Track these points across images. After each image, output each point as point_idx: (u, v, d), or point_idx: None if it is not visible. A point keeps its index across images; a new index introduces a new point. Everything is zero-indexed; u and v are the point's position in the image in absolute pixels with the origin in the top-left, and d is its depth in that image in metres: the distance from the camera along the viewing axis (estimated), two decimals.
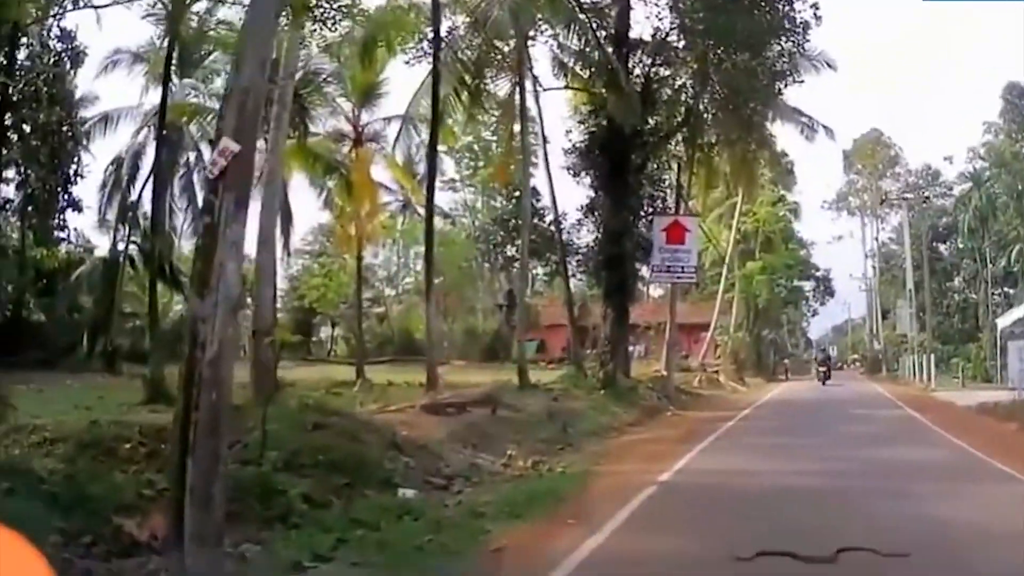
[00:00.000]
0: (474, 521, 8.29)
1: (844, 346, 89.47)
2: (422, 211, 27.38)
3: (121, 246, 30.42)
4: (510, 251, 47.01)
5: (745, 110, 26.79)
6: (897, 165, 71.40)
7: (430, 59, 22.02)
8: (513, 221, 43.76)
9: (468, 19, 24.39)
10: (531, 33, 24.99)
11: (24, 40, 27.65)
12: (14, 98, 27.50)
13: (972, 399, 25.85)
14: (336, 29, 18.85)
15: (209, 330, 5.87)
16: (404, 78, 37.35)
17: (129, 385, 18.36)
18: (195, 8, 23.01)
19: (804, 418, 23.35)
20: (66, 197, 30.62)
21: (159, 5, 21.02)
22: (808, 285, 62.62)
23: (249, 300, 19.47)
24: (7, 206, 30.14)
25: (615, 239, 24.82)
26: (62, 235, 31.89)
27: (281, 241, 28.28)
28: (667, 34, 25.60)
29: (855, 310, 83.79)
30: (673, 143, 28.94)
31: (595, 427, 17.59)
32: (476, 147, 49.62)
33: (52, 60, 28.92)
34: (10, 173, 29.37)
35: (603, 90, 24.63)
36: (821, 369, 46.28)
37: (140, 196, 29.72)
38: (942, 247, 62.65)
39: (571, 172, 26.53)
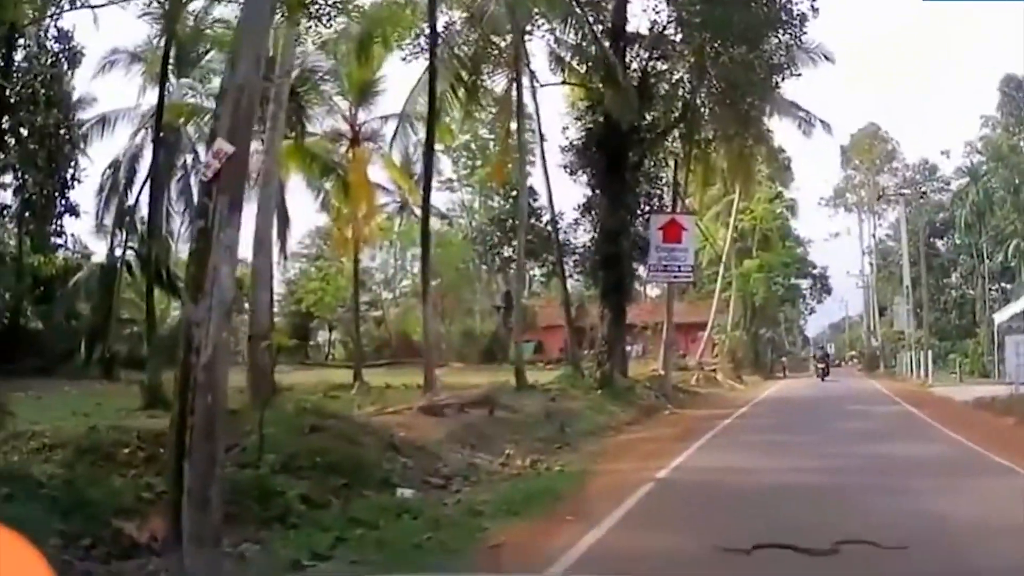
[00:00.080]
0: (472, 519, 8.32)
1: (842, 343, 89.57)
2: (419, 212, 27.39)
3: (118, 252, 30.44)
4: (507, 252, 47.02)
5: (742, 104, 26.73)
6: (894, 160, 71.27)
7: (427, 55, 21.95)
8: (510, 221, 43.71)
9: (464, 14, 24.38)
10: (528, 28, 24.98)
11: (21, 41, 27.62)
12: (11, 100, 27.47)
13: (969, 394, 25.87)
14: (331, 25, 18.82)
15: (203, 334, 5.91)
16: (401, 75, 37.07)
17: (127, 391, 18.37)
18: (192, 7, 23.00)
19: (801, 415, 23.36)
20: (63, 202, 30.63)
21: (155, 4, 21.00)
22: (805, 283, 62.58)
23: (246, 305, 19.60)
24: (4, 212, 30.15)
25: (612, 238, 24.80)
26: (59, 241, 31.92)
27: (278, 245, 28.34)
28: (664, 27, 25.60)
29: (852, 307, 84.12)
30: (670, 139, 28.84)
31: (593, 426, 17.60)
32: (473, 146, 49.55)
33: (49, 61, 28.87)
34: (7, 178, 29.38)
35: (600, 85, 24.61)
36: (820, 366, 48.68)
37: (137, 200, 29.81)
38: (939, 243, 62.65)
39: (568, 170, 26.54)
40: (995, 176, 53.35)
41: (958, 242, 59.50)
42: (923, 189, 60.31)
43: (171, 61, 23.50)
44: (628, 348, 30.49)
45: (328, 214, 33.92)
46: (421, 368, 20.20)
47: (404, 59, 24.28)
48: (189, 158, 30.94)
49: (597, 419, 18.64)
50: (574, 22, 24.37)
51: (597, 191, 25.78)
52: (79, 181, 30.46)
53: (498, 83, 26.81)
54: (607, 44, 24.31)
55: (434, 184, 27.16)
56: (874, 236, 74.19)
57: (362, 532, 7.45)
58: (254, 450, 8.91)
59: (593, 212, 26.32)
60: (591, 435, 16.52)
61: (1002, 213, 52.55)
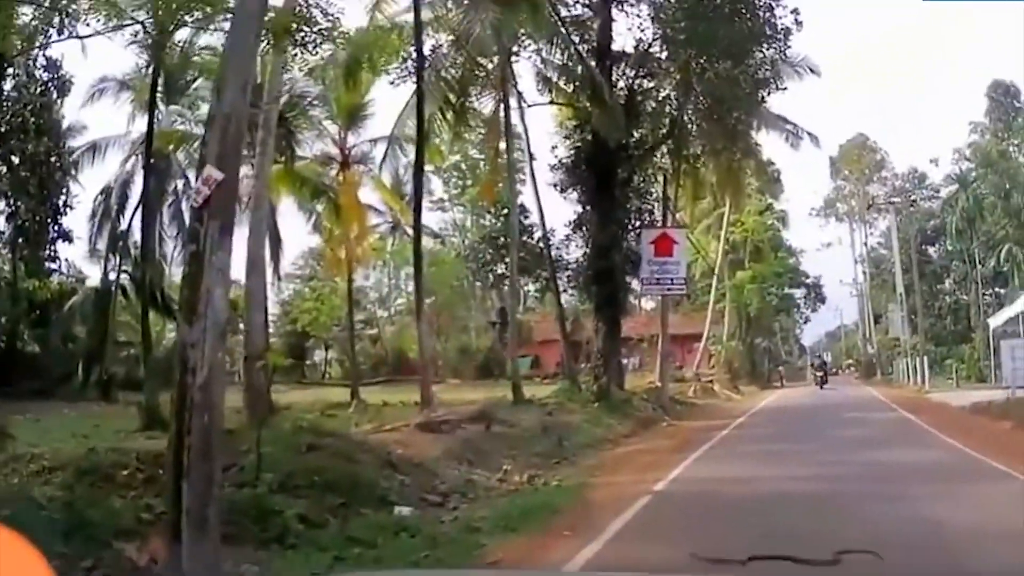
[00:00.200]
0: (470, 536, 8.32)
1: (838, 351, 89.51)
2: (411, 232, 27.48)
3: (112, 276, 30.56)
4: (500, 269, 47.08)
5: (729, 119, 26.88)
6: (883, 169, 71.75)
7: (414, 79, 22.02)
8: (502, 239, 43.84)
9: (450, 37, 24.51)
10: (514, 49, 25.09)
11: (10, 71, 27.70)
12: (2, 129, 27.61)
13: (966, 399, 25.93)
14: (318, 53, 18.90)
15: (199, 355, 5.95)
16: (389, 98, 37.36)
17: (125, 413, 18.39)
18: (179, 35, 23.09)
19: (798, 424, 23.34)
20: (56, 228, 30.73)
21: (142, 33, 21.10)
22: (799, 292, 62.73)
23: (241, 325, 19.62)
24: None
25: (604, 253, 24.86)
26: (53, 266, 32.02)
27: (271, 266, 28.43)
28: (649, 45, 25.79)
29: (847, 315, 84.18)
30: (658, 155, 29.01)
31: (590, 440, 17.58)
32: (464, 166, 49.75)
33: (39, 90, 29.00)
34: (0, 205, 29.45)
35: (587, 104, 24.76)
36: (818, 374, 50.12)
37: (130, 225, 29.91)
38: (931, 250, 62.97)
39: (558, 188, 26.70)
40: (985, 182, 53.66)
41: (950, 248, 59.78)
42: (913, 197, 60.61)
43: (159, 89, 23.65)
44: (624, 361, 30.57)
45: (320, 235, 33.98)
46: (418, 385, 20.18)
47: (392, 83, 24.37)
48: (180, 183, 31.14)
49: (594, 432, 18.62)
50: (560, 42, 24.55)
51: (588, 207, 25.90)
52: (71, 207, 30.67)
53: (486, 104, 26.88)
54: (593, 63, 24.46)
55: (426, 204, 27.31)
56: (866, 245, 74.66)
57: (360, 551, 7.45)
58: (252, 469, 8.91)
59: (584, 228, 26.40)
60: (589, 448, 16.51)
61: (993, 218, 52.83)
